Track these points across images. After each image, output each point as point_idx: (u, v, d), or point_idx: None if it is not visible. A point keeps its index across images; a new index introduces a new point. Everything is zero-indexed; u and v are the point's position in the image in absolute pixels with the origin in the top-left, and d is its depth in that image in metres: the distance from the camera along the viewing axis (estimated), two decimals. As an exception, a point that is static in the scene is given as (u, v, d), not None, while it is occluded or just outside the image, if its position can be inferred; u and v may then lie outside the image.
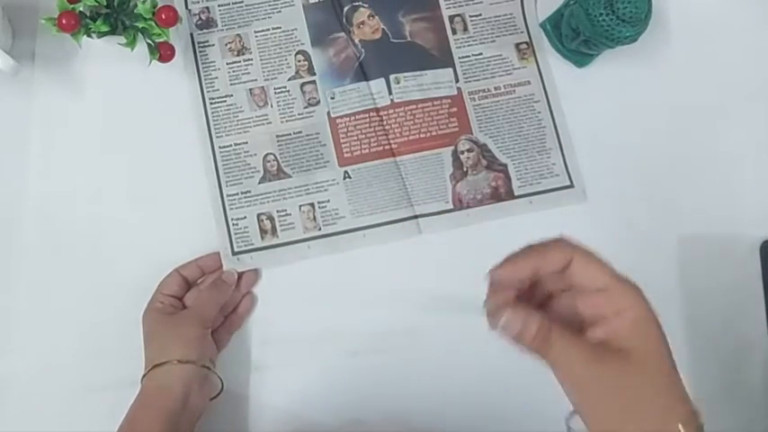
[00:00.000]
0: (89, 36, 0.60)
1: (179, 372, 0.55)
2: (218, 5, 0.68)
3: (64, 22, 0.58)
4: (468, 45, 0.69)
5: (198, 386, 0.55)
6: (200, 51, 0.67)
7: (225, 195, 0.64)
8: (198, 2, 0.68)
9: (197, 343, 0.56)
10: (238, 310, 0.63)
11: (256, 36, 0.68)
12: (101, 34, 0.60)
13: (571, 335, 0.36)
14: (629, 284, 0.37)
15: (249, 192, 0.65)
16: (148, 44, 0.62)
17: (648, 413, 0.36)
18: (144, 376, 0.56)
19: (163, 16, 0.60)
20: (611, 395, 0.35)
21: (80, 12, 0.59)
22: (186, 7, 0.68)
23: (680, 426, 0.35)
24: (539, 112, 0.68)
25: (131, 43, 0.60)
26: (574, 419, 0.38)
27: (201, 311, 0.59)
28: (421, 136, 0.66)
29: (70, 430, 0.59)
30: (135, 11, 0.60)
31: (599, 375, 0.36)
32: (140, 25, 0.60)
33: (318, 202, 0.65)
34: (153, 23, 0.60)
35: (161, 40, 0.61)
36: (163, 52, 0.62)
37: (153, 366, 0.55)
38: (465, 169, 0.66)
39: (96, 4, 0.59)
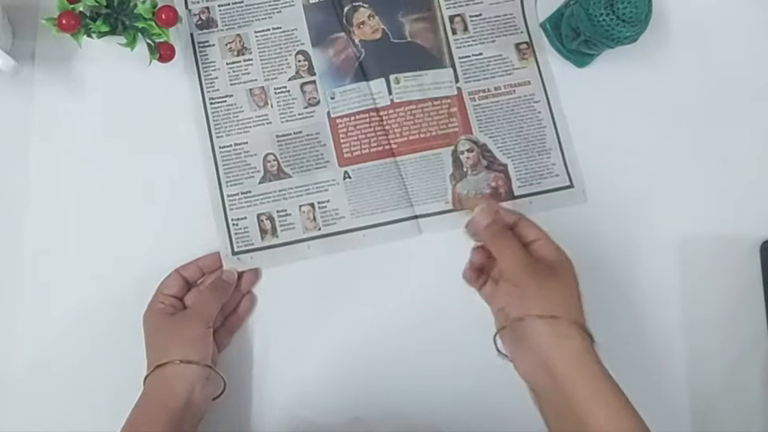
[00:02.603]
0: (89, 36, 0.60)
1: (181, 372, 0.55)
2: (219, 5, 0.68)
3: (64, 22, 0.58)
4: (468, 45, 0.69)
5: (200, 386, 0.55)
6: (200, 51, 0.67)
7: (225, 195, 0.64)
8: (198, 2, 0.68)
9: (199, 343, 0.56)
10: (239, 311, 0.63)
11: (256, 36, 0.68)
12: (101, 34, 0.60)
13: (518, 241, 0.52)
14: (554, 243, 0.53)
15: (249, 192, 0.65)
16: (148, 44, 0.62)
17: (575, 307, 0.50)
18: (146, 377, 0.56)
19: (163, 16, 0.60)
20: (546, 282, 0.50)
21: (80, 12, 0.59)
22: (186, 7, 0.68)
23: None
24: (539, 113, 0.68)
25: (131, 43, 0.61)
26: (498, 339, 0.53)
27: (202, 311, 0.58)
28: (421, 136, 0.66)
29: (70, 430, 0.59)
30: (135, 11, 0.60)
31: (534, 270, 0.50)
32: (140, 25, 0.60)
33: (318, 203, 0.65)
34: (153, 23, 0.60)
35: (161, 40, 0.61)
36: (163, 52, 0.62)
37: (155, 367, 0.55)
38: (465, 169, 0.66)
39: (96, 4, 0.59)
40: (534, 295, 0.49)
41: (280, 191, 0.65)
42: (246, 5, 0.68)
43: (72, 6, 0.59)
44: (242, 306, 0.63)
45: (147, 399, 0.55)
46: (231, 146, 0.65)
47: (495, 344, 0.53)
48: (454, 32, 0.69)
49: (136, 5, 0.60)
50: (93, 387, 0.61)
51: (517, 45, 0.70)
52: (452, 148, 0.67)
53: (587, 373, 0.47)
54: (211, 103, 0.66)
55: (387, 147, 0.66)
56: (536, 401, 0.50)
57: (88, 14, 0.60)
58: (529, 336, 0.49)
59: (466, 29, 0.70)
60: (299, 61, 0.68)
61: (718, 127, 0.68)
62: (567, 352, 0.47)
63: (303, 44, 0.68)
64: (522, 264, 0.50)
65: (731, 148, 0.68)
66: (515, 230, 0.54)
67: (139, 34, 0.61)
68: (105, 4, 0.60)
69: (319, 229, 0.64)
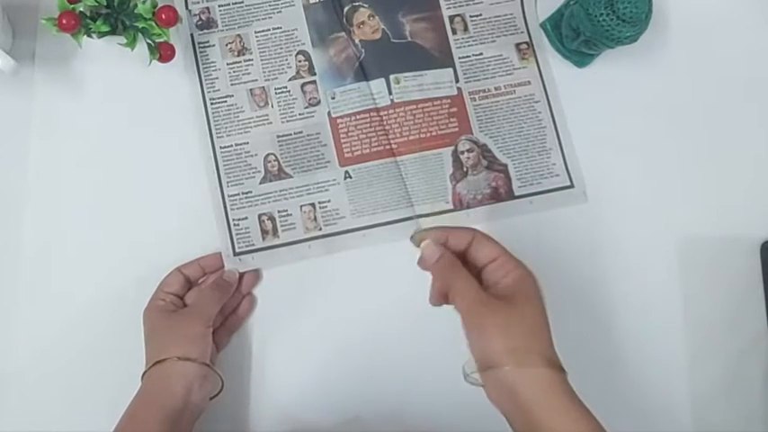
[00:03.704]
0: (89, 36, 0.60)
1: (180, 369, 0.55)
2: (219, 6, 0.68)
3: (64, 22, 0.58)
4: (469, 45, 0.69)
5: (198, 384, 0.55)
6: (200, 52, 0.67)
7: (226, 196, 0.64)
8: (198, 2, 0.68)
9: (198, 341, 0.56)
10: (238, 311, 0.63)
11: (257, 36, 0.68)
12: (101, 34, 0.60)
13: (470, 275, 0.48)
14: (514, 256, 0.49)
15: (250, 192, 0.65)
16: (148, 44, 0.62)
17: (542, 339, 0.47)
18: (144, 374, 0.56)
19: (163, 16, 0.60)
20: (506, 325, 0.46)
21: (80, 12, 0.59)
22: (186, 7, 0.68)
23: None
24: (539, 113, 0.68)
25: (131, 43, 0.60)
26: (468, 365, 0.49)
27: (203, 309, 0.59)
28: (421, 136, 0.66)
29: (70, 430, 0.59)
30: (135, 11, 0.60)
31: (491, 309, 0.46)
32: (140, 25, 0.60)
33: (319, 203, 0.65)
34: (153, 23, 0.60)
35: (161, 40, 0.61)
36: (163, 52, 0.62)
37: (153, 364, 0.55)
38: (465, 169, 0.66)
39: (96, 4, 0.59)
40: (497, 340, 0.46)
41: (280, 191, 0.65)
42: (247, 6, 0.68)
43: (72, 6, 0.59)
44: (242, 307, 0.63)
45: (144, 395, 0.55)
46: (232, 146, 0.65)
47: (466, 379, 0.49)
48: (454, 32, 0.69)
49: (136, 5, 0.60)
50: (93, 385, 0.61)
51: (517, 45, 0.70)
52: (453, 148, 0.67)
53: (558, 406, 0.45)
54: (212, 104, 0.66)
55: (387, 147, 0.66)
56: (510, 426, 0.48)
57: (88, 14, 0.60)
58: (499, 380, 0.46)
59: (466, 29, 0.70)
60: (300, 61, 0.67)
61: (719, 127, 0.68)
62: (536, 390, 0.45)
63: (303, 44, 0.68)
64: (476, 304, 0.47)
65: (731, 147, 0.68)
66: (470, 252, 0.50)
67: (139, 34, 0.61)
68: (105, 4, 0.60)
69: (320, 229, 0.64)
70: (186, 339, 0.56)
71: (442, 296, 0.52)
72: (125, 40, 0.60)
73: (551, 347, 0.47)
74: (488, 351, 0.46)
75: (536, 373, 0.45)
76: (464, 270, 0.49)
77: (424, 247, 0.50)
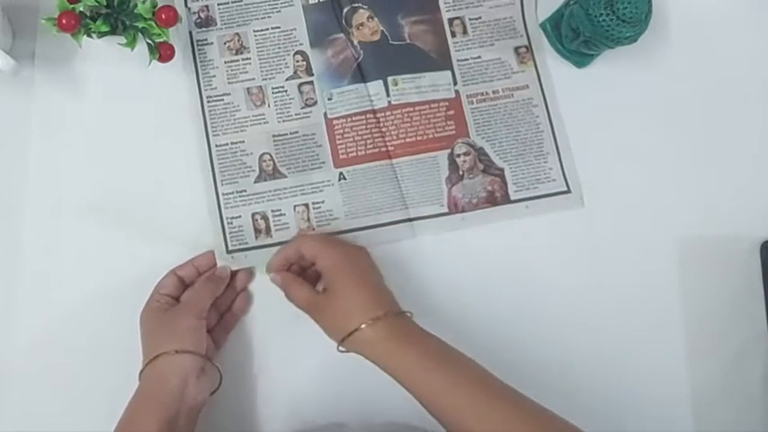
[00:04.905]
0: (89, 36, 0.60)
1: (176, 362, 0.55)
2: (218, 4, 0.68)
3: (64, 22, 0.58)
4: (468, 48, 0.69)
5: (195, 377, 0.55)
6: (198, 50, 0.68)
7: (220, 194, 0.64)
8: (197, 0, 0.69)
9: (191, 333, 0.56)
10: (233, 309, 0.63)
11: (255, 35, 0.68)
12: (101, 34, 0.61)
13: (303, 284, 0.59)
14: (326, 251, 0.59)
15: (244, 191, 0.65)
16: (148, 44, 0.62)
17: (364, 304, 0.56)
18: (141, 372, 0.56)
19: (163, 16, 0.60)
20: (327, 310, 0.57)
21: (80, 12, 0.60)
22: (186, 6, 0.68)
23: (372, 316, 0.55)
24: (537, 117, 0.68)
25: (131, 43, 0.61)
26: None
27: (194, 303, 0.59)
28: (418, 138, 0.66)
29: (70, 430, 0.59)
30: (135, 11, 0.61)
31: (315, 301, 0.58)
32: (140, 25, 0.60)
33: (313, 203, 0.65)
34: (153, 23, 0.60)
35: (161, 40, 0.61)
36: (163, 52, 0.62)
37: (149, 361, 0.55)
38: (461, 173, 0.66)
39: (96, 4, 0.59)
40: (328, 327, 0.57)
41: (275, 190, 0.65)
42: (246, 4, 0.68)
43: (72, 6, 0.59)
44: (236, 304, 0.63)
45: (141, 392, 0.55)
46: (227, 144, 0.66)
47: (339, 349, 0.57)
48: (453, 35, 0.69)
49: (136, 5, 0.60)
50: (91, 387, 0.61)
51: (516, 49, 0.69)
52: (449, 151, 0.66)
53: (404, 355, 0.54)
54: (209, 102, 0.66)
55: (383, 149, 0.66)
56: None
57: (88, 14, 0.60)
58: (349, 348, 0.56)
59: (465, 32, 0.69)
60: (298, 61, 0.68)
61: (718, 127, 0.68)
62: (377, 353, 0.55)
63: (302, 44, 0.68)
64: (307, 308, 0.58)
65: (731, 148, 0.67)
66: (306, 258, 0.60)
67: (139, 34, 0.61)
68: (105, 4, 0.60)
69: (313, 229, 0.64)
70: (179, 333, 0.56)
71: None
72: (125, 40, 0.61)
73: (381, 302, 0.56)
74: (330, 335, 0.57)
75: (360, 336, 0.54)
76: (296, 282, 0.59)
77: (271, 277, 0.60)
